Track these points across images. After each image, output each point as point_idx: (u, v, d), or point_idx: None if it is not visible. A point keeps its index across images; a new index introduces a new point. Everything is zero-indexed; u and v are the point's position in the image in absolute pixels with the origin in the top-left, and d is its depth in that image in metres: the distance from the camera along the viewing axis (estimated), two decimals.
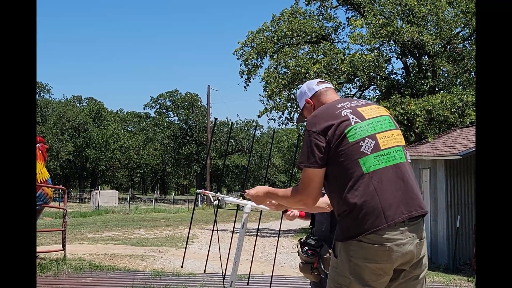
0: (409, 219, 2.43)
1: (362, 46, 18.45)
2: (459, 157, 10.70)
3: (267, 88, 19.20)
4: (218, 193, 3.63)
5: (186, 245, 4.72)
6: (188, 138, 58.99)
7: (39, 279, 6.91)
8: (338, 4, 21.20)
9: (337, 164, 2.48)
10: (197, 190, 3.88)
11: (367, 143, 2.48)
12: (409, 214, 2.43)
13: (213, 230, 3.99)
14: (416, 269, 2.49)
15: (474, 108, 15.88)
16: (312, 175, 2.52)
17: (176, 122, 61.09)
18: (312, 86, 2.84)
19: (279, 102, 19.61)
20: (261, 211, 3.51)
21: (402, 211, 2.41)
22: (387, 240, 2.37)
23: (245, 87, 20.96)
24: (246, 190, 3.03)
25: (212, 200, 3.54)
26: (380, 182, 2.43)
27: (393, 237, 2.38)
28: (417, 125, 16.44)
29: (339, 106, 2.60)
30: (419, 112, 16.02)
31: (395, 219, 2.38)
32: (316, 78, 17.55)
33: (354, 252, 2.40)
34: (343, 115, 2.53)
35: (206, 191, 3.67)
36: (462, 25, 18.76)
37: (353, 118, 2.53)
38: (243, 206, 3.37)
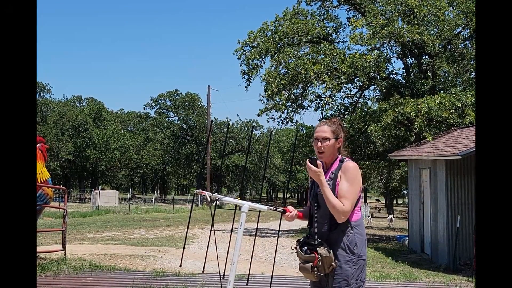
0: None
1: (362, 46, 18.44)
2: (459, 157, 10.70)
3: (267, 88, 19.17)
4: (216, 193, 3.66)
5: (184, 245, 4.72)
6: (188, 138, 58.99)
7: (39, 279, 6.91)
8: (338, 4, 21.18)
9: None
10: (195, 190, 3.90)
11: None
12: None
13: (211, 230, 3.99)
14: None
15: (474, 109, 15.86)
16: None
17: (176, 122, 61.09)
18: None
19: (279, 102, 19.58)
20: (259, 211, 3.52)
21: None
22: None
23: (246, 87, 20.91)
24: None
25: (210, 200, 3.57)
26: None
27: None
28: (415, 125, 16.42)
29: None
30: (414, 115, 16.01)
31: None
32: (316, 79, 17.36)
33: None
34: None
35: (203, 191, 3.69)
36: (463, 26, 18.75)
37: None
38: (240, 207, 3.38)
